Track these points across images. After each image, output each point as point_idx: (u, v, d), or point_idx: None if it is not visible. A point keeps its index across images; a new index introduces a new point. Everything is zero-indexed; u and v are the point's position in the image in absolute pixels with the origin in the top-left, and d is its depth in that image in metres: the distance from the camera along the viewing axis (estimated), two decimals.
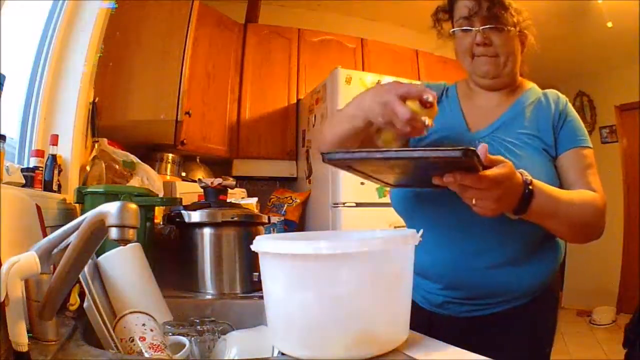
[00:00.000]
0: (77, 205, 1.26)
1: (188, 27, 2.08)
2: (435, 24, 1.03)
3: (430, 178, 0.68)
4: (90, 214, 0.59)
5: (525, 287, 0.89)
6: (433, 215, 0.91)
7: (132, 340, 0.77)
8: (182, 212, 1.27)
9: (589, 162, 0.89)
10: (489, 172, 0.65)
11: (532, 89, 1.00)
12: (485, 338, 0.88)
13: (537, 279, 0.90)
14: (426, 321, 0.90)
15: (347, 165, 0.70)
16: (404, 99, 0.70)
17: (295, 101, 2.78)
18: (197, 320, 0.91)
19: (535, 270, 0.90)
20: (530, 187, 0.72)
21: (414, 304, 0.70)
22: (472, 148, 0.59)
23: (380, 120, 0.73)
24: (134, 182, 1.57)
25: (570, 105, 0.97)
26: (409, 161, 0.66)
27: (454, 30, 0.97)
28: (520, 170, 0.73)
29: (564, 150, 0.90)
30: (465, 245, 0.88)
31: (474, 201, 0.68)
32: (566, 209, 0.78)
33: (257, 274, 1.24)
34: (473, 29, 0.92)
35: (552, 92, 0.99)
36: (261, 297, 0.87)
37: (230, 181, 1.39)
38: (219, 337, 0.85)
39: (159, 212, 1.50)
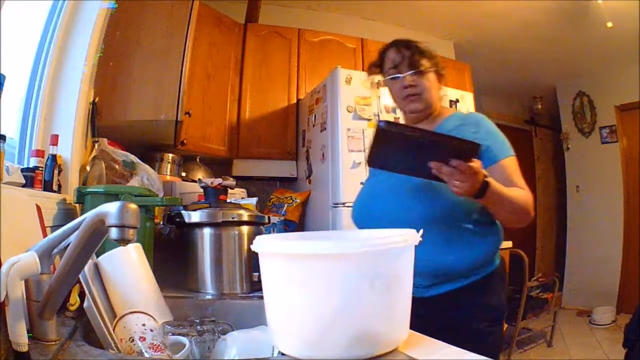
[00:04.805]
0: (77, 205, 1.26)
1: (188, 27, 2.07)
2: (368, 76, 1.29)
3: (425, 166, 0.90)
4: (90, 214, 0.59)
5: (460, 269, 1.08)
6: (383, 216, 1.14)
7: (132, 340, 0.77)
8: (182, 212, 1.27)
9: (511, 170, 1.10)
10: (474, 164, 0.89)
11: (451, 117, 1.20)
12: (438, 316, 1.05)
13: (465, 263, 1.08)
14: None
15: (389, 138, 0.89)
16: None
17: (295, 101, 2.77)
18: (197, 320, 0.91)
19: (464, 256, 1.08)
20: (487, 180, 0.96)
21: None
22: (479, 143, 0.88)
23: None
24: (134, 182, 1.57)
25: (486, 123, 1.16)
26: (438, 141, 0.88)
27: (386, 79, 1.21)
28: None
29: (487, 166, 1.05)
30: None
31: (456, 182, 0.91)
32: (508, 199, 1.02)
33: (257, 274, 1.24)
34: (400, 75, 1.17)
35: (471, 116, 1.20)
36: (261, 297, 0.87)
37: (230, 181, 1.39)
38: (219, 337, 0.85)
39: (159, 212, 1.50)
